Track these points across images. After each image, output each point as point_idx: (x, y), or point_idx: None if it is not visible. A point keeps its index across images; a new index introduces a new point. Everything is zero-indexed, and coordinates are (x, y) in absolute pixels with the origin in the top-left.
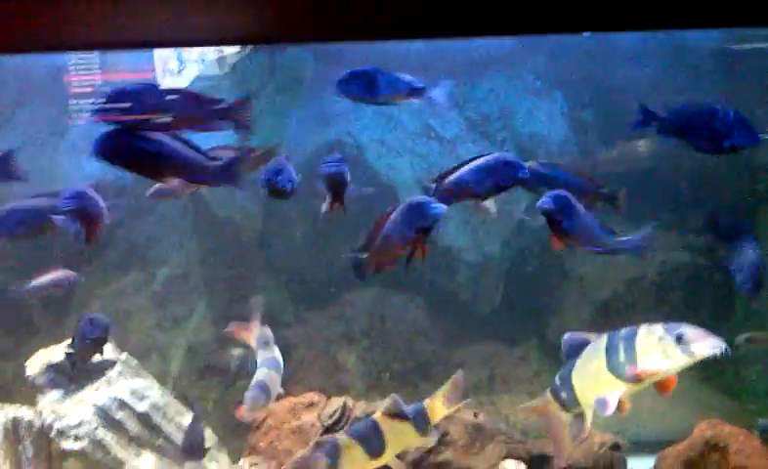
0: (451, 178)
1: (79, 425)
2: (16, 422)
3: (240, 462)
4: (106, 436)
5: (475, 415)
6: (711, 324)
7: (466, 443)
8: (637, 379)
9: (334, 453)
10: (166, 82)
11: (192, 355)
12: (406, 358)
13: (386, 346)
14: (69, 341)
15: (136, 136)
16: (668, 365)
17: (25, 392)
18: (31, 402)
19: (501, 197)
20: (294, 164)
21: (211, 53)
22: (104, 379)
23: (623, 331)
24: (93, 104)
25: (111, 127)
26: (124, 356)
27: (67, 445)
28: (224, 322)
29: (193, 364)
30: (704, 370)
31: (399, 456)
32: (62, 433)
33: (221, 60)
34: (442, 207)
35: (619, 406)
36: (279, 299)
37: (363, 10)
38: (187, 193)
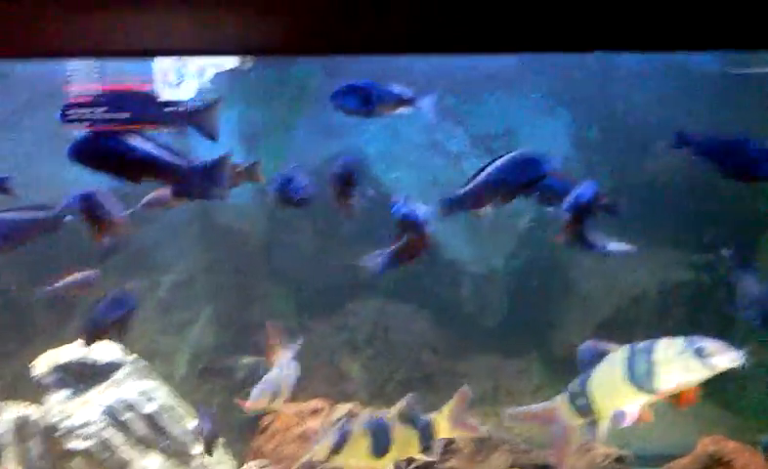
0: (477, 180)
1: (86, 425)
2: (23, 421)
3: (245, 466)
4: (113, 436)
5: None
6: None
7: (471, 451)
8: (657, 392)
9: (342, 438)
10: (165, 95)
11: (197, 360)
12: (410, 368)
13: (390, 356)
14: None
15: (112, 139)
16: (689, 379)
17: (32, 391)
18: (38, 401)
19: (506, 210)
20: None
21: (210, 67)
22: (111, 380)
23: (643, 344)
24: (91, 112)
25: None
26: (132, 357)
27: (74, 444)
28: (229, 329)
29: (198, 369)
30: (706, 386)
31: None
32: (69, 432)
33: (233, 70)
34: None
35: (641, 417)
36: (284, 307)
37: (374, 24)
38: (179, 205)
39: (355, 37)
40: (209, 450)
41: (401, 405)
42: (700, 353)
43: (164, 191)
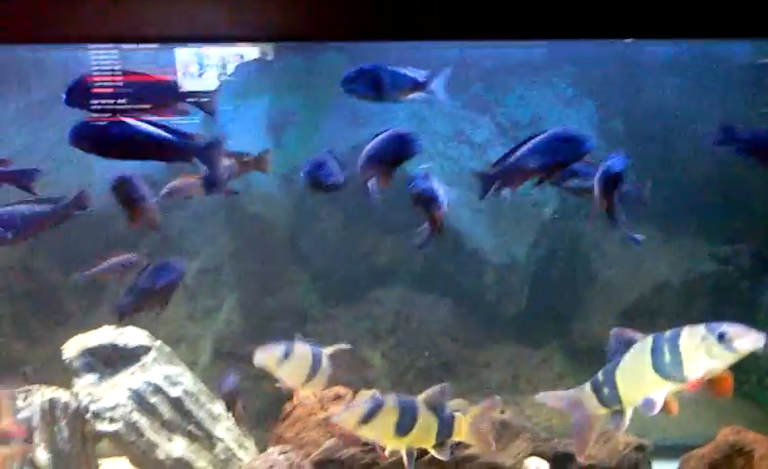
0: (512, 158)
1: (114, 408)
2: (52, 403)
3: (268, 451)
4: (140, 419)
5: (501, 412)
6: None
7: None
8: (684, 380)
9: (375, 409)
10: (186, 85)
11: (222, 346)
12: (431, 356)
13: (411, 344)
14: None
15: (109, 123)
16: (714, 365)
17: (62, 375)
18: (67, 385)
19: (529, 199)
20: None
21: (232, 57)
22: (138, 365)
23: (668, 333)
24: (115, 103)
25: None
26: (158, 343)
27: (102, 426)
28: (253, 316)
29: (222, 355)
30: None
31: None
32: (97, 415)
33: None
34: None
35: (668, 407)
36: (308, 295)
37: (396, 11)
38: (200, 193)
39: (377, 24)
40: (230, 409)
41: (432, 391)
42: (722, 338)
43: (186, 181)
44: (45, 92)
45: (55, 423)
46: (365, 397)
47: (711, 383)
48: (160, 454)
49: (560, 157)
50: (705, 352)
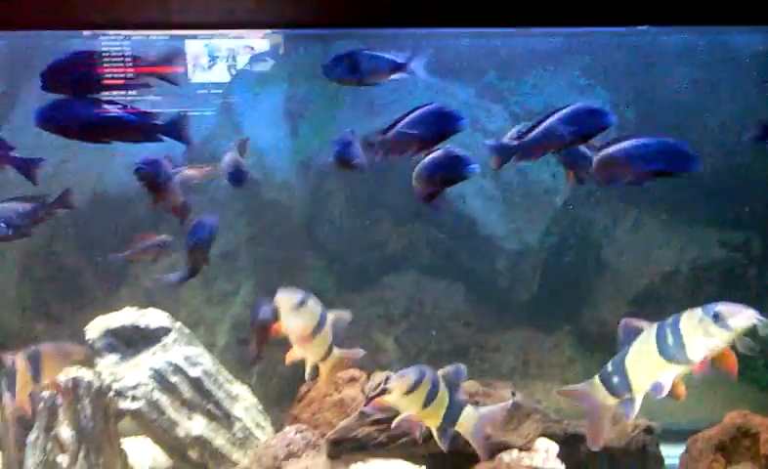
0: (535, 132)
1: (136, 386)
2: (76, 382)
3: (284, 430)
4: (162, 398)
5: (512, 394)
6: None
7: (503, 419)
8: (688, 363)
9: (419, 380)
10: (197, 77)
11: (238, 330)
12: (443, 341)
13: (424, 329)
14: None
15: (74, 105)
16: (713, 345)
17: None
18: (90, 364)
19: (541, 187)
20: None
21: (241, 49)
22: (159, 345)
23: (671, 318)
24: (124, 95)
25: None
26: (178, 324)
27: (125, 404)
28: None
29: (239, 338)
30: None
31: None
32: (119, 393)
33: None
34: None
35: (676, 392)
36: (323, 280)
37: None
38: (208, 177)
39: (385, 11)
40: (260, 340)
41: (450, 369)
42: (717, 317)
43: (194, 171)
44: None
45: (78, 401)
46: (378, 378)
47: (716, 362)
48: (180, 432)
49: (583, 130)
50: (704, 333)
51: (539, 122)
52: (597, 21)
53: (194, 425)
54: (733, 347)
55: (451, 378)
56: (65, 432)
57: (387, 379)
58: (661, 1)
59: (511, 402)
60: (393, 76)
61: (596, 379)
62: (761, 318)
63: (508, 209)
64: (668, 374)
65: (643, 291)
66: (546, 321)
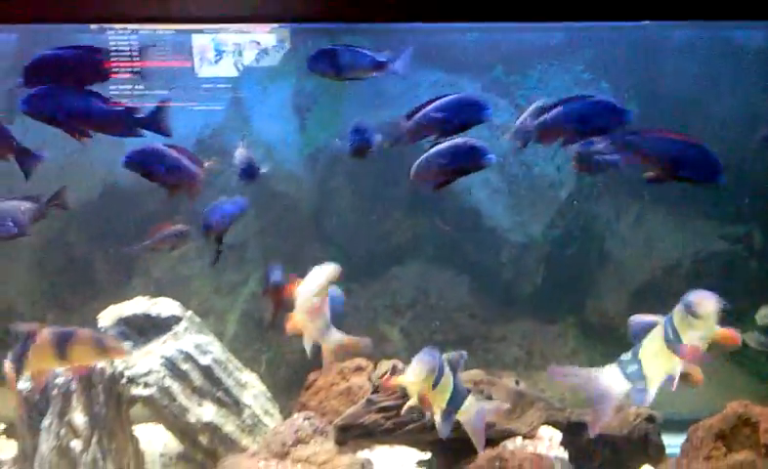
0: (550, 115)
1: (148, 373)
2: (89, 369)
3: (294, 416)
4: (173, 384)
5: (516, 382)
6: (747, 310)
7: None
8: (688, 354)
9: (437, 358)
10: (204, 71)
11: (247, 320)
12: (449, 332)
13: (429, 320)
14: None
15: (59, 94)
16: (696, 334)
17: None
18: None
19: (546, 181)
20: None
21: (248, 44)
22: (171, 333)
23: (671, 313)
24: (132, 88)
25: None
26: (189, 313)
27: (137, 391)
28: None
29: (248, 327)
30: (735, 353)
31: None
32: (131, 380)
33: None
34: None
35: (693, 379)
36: None
37: None
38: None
39: (391, 6)
40: (276, 303)
41: (454, 354)
42: (689, 308)
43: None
44: None
45: (91, 388)
46: (385, 366)
47: (712, 348)
48: (191, 418)
49: (601, 123)
50: (687, 324)
51: (557, 104)
52: (598, 16)
53: (205, 411)
54: (744, 342)
55: (455, 364)
56: (79, 418)
57: (393, 368)
58: None
59: (507, 405)
60: (373, 74)
61: (611, 367)
62: (724, 302)
63: (513, 202)
64: (675, 365)
65: (645, 283)
66: (550, 313)
